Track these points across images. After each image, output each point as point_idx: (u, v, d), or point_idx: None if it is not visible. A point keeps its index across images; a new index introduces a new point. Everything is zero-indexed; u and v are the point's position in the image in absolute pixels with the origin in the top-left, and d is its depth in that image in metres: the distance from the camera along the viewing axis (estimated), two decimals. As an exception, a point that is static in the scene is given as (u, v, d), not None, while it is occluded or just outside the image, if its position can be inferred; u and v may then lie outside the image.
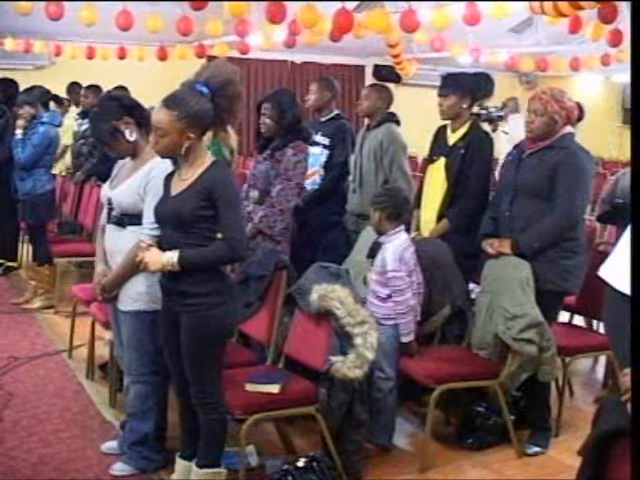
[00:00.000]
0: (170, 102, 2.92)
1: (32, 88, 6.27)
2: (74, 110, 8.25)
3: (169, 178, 3.09)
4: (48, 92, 6.40)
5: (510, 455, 3.76)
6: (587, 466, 1.97)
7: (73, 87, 8.51)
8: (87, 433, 3.83)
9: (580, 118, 3.94)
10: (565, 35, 8.56)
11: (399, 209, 3.75)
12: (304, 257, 4.35)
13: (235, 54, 10.19)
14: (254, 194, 4.35)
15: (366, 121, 5.13)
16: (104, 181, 3.69)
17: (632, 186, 1.95)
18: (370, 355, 3.19)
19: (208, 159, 3.02)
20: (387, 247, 3.71)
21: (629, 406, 1.88)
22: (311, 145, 5.03)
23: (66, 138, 7.31)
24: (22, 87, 6.56)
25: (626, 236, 1.99)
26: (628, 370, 1.89)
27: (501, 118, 6.31)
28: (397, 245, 3.70)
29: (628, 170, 5.36)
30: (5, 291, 6.56)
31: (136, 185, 3.28)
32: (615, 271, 1.99)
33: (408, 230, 4.35)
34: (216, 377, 3.06)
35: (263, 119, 4.34)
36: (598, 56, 10.49)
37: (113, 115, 3.35)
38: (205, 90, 2.94)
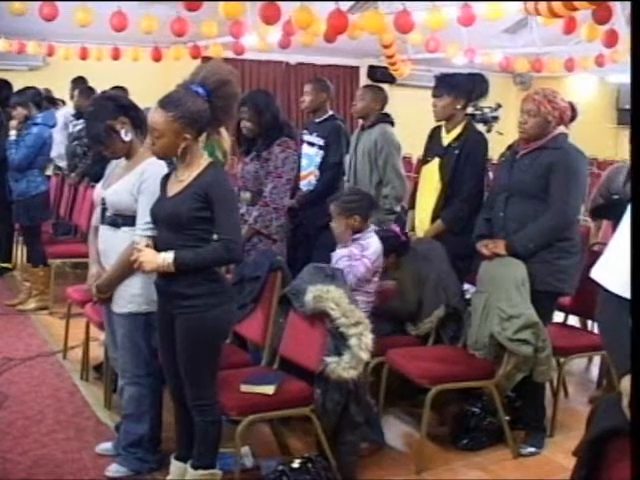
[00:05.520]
0: (166, 103, 2.91)
1: (25, 89, 6.25)
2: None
3: (165, 179, 3.09)
4: (40, 93, 6.38)
5: (505, 456, 3.76)
6: (582, 466, 1.97)
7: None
8: (82, 435, 3.83)
9: (573, 118, 3.93)
10: (560, 36, 8.57)
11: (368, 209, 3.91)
12: (299, 258, 4.35)
13: (230, 55, 10.18)
14: (246, 196, 4.36)
15: (360, 122, 5.13)
16: (98, 182, 3.68)
17: (632, 187, 1.94)
18: (365, 356, 3.18)
19: (205, 160, 3.01)
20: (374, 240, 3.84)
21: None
22: (309, 145, 5.05)
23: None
24: (16, 88, 6.54)
25: (617, 237, 1.98)
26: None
27: (496, 119, 6.29)
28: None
29: (621, 165, 5.30)
30: (-1, 292, 6.55)
31: (130, 185, 3.27)
32: (607, 272, 1.98)
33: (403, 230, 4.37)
34: (211, 379, 3.06)
35: (243, 123, 4.35)
36: (592, 57, 10.50)
37: (109, 114, 3.34)
38: (201, 91, 2.93)
